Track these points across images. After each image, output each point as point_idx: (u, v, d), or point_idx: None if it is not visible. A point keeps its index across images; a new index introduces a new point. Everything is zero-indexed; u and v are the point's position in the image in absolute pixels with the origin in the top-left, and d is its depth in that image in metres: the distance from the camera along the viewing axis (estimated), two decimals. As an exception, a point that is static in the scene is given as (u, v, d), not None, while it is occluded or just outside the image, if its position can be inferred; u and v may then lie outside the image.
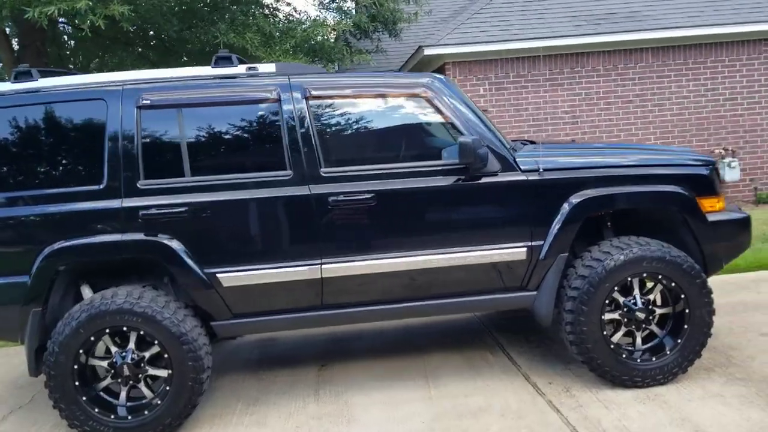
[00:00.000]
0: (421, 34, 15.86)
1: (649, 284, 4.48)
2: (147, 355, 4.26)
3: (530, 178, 4.43)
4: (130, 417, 4.23)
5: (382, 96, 4.49)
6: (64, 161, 4.34)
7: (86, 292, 4.45)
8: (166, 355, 4.21)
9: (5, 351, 6.55)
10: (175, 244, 4.23)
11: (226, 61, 4.49)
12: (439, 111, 4.46)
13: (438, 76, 4.59)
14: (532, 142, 5.36)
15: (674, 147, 7.60)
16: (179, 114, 4.33)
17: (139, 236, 4.23)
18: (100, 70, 14.87)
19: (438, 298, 4.50)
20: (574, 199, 4.43)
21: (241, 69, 4.48)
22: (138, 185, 4.26)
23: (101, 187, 4.25)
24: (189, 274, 4.25)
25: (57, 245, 4.18)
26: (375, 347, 5.82)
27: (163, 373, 4.27)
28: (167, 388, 4.22)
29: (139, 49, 12.96)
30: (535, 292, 4.53)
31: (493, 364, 5.15)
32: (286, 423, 4.42)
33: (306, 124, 4.35)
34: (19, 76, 4.40)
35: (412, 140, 4.59)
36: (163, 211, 4.24)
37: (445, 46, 11.79)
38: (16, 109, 4.32)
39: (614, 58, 12.09)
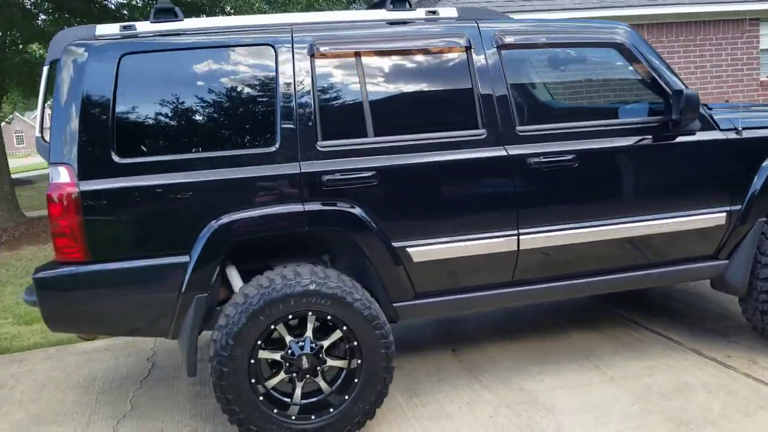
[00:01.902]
0: None
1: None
2: (326, 343, 3.67)
3: (729, 137, 4.12)
4: (313, 416, 3.62)
5: (577, 45, 4.05)
6: (226, 119, 3.65)
7: (233, 274, 3.79)
8: (354, 343, 3.63)
9: (42, 353, 5.67)
10: (364, 215, 3.65)
11: (401, 3, 3.91)
12: (637, 62, 4.05)
13: (627, 25, 4.19)
14: None
15: None
16: (358, 64, 3.73)
17: (323, 206, 3.61)
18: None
19: (629, 270, 4.13)
20: None
21: (420, 13, 3.93)
22: (318, 147, 3.64)
23: (274, 149, 3.61)
24: (380, 248, 3.69)
25: (229, 217, 3.51)
26: (497, 328, 5.39)
27: (340, 363, 3.69)
28: (355, 380, 3.65)
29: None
30: (726, 261, 4.23)
31: (646, 341, 4.84)
32: (471, 412, 3.95)
33: (500, 77, 3.85)
34: (159, 14, 3.67)
35: (607, 94, 4.18)
36: (348, 176, 3.64)
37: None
38: (159, 55, 3.59)
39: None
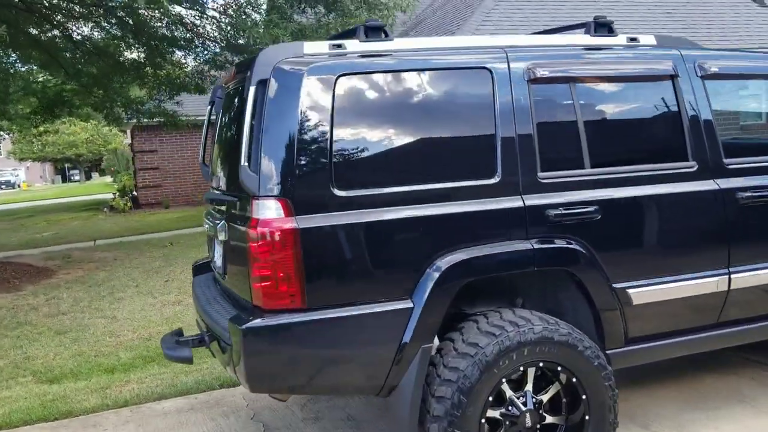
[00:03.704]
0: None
1: None
2: (545, 398, 3.30)
3: None
4: (537, 481, 3.22)
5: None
6: (444, 148, 3.29)
7: None
8: (583, 396, 3.27)
9: (114, 415, 4.96)
10: (589, 253, 3.34)
11: (604, 28, 3.68)
12: None
13: None
14: None
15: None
16: (572, 90, 3.45)
17: (549, 243, 3.28)
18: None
19: None
20: None
21: (621, 39, 3.70)
22: (538, 178, 3.32)
23: (495, 180, 3.26)
24: (604, 290, 3.38)
25: (460, 256, 3.12)
26: (631, 372, 5.11)
27: (557, 419, 3.33)
28: (579, 439, 3.28)
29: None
30: None
31: (789, 382, 4.69)
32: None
33: (706, 107, 3.67)
34: (371, 33, 3.28)
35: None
36: (572, 210, 3.34)
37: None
38: (374, 78, 3.20)
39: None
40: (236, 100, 3.60)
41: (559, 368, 3.22)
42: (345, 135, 3.08)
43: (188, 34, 11.79)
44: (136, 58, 13.12)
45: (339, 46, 3.21)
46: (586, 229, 3.36)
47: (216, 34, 11.34)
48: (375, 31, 3.28)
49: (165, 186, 20.55)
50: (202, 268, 4.44)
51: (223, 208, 3.63)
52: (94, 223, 18.52)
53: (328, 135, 3.04)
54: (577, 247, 3.32)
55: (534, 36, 3.69)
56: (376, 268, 3.10)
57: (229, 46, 11.07)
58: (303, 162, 3.01)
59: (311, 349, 3.04)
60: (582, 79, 3.47)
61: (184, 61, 13.34)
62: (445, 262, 3.10)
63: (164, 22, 11.03)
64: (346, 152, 3.09)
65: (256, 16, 11.24)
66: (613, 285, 3.41)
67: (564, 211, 3.32)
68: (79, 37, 12.85)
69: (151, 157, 20.39)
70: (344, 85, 3.09)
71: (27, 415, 4.93)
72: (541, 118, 3.38)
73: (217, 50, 12.44)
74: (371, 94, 3.18)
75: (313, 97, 3.05)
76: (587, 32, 3.69)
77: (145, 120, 14.83)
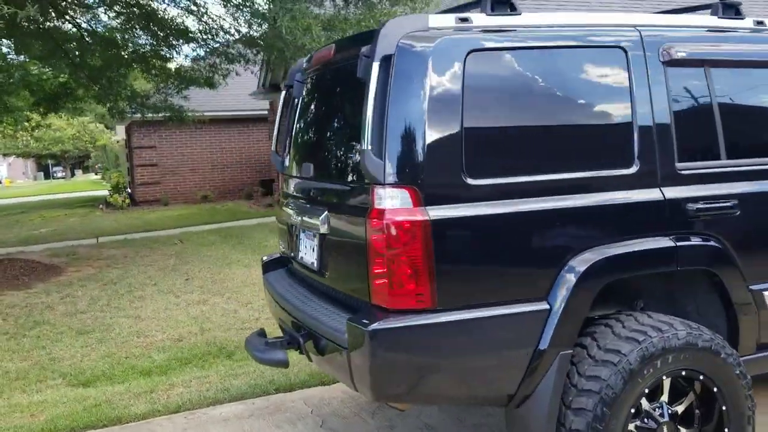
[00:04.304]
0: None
1: None
2: (680, 409, 3.02)
3: None
4: (676, 500, 2.95)
5: None
6: (578, 133, 3.01)
7: None
8: (723, 407, 3.00)
9: (168, 422, 4.63)
10: (729, 251, 3.08)
11: (731, 10, 3.42)
12: None
13: None
14: None
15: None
16: (706, 74, 3.19)
17: (690, 240, 3.02)
18: None
19: None
20: None
21: (747, 22, 3.44)
22: (677, 169, 3.04)
23: (633, 171, 2.98)
24: (743, 291, 3.12)
25: (602, 253, 2.84)
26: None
27: (690, 432, 3.06)
28: (717, 455, 3.01)
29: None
30: None
31: None
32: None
33: None
34: (497, 7, 2.98)
35: None
36: (712, 205, 3.07)
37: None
38: (503, 55, 2.91)
39: None
40: (342, 79, 3.30)
41: (701, 377, 2.95)
42: (475, 118, 2.78)
43: (201, 25, 11.40)
44: (143, 49, 12.73)
45: (465, 19, 2.91)
46: (724, 225, 3.10)
47: (231, 23, 10.96)
48: (501, 5, 2.99)
49: (164, 183, 20.09)
50: (273, 264, 4.10)
51: (322, 198, 3.31)
52: (91, 220, 18.03)
53: (459, 117, 2.75)
54: (718, 245, 3.06)
55: (662, 15, 3.42)
56: (511, 265, 2.81)
57: (248, 40, 10.68)
58: (432, 147, 2.71)
59: (440, 354, 2.74)
60: (718, 62, 3.22)
61: (194, 53, 12.96)
62: (588, 258, 2.82)
63: (173, 11, 10.65)
64: (477, 137, 2.79)
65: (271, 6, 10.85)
66: (750, 286, 3.15)
67: (703, 206, 3.06)
68: (86, 25, 12.43)
69: (150, 153, 19.92)
70: (474, 62, 2.80)
71: (72, 421, 4.59)
72: (677, 103, 3.11)
73: (230, 42, 12.07)
74: (501, 73, 2.89)
75: (443, 75, 2.75)
76: (714, 13, 3.43)
77: (150, 115, 14.35)
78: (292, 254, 3.79)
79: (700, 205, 3.05)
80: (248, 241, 12.12)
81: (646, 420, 2.93)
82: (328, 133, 3.45)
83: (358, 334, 2.68)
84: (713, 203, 3.07)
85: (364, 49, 2.85)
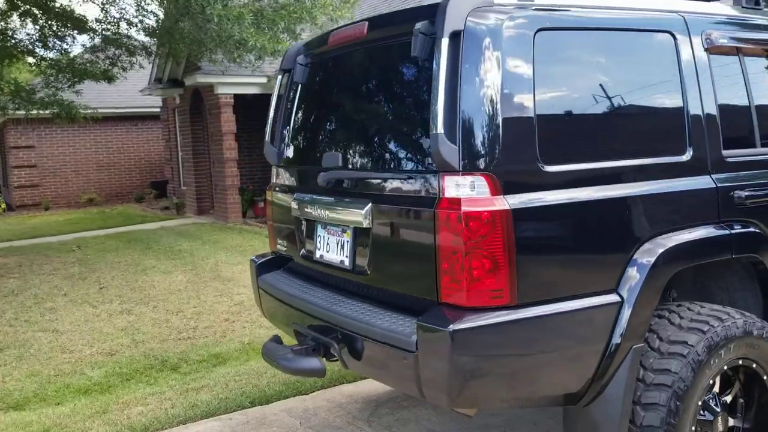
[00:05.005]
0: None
1: None
2: (728, 399, 3.00)
3: None
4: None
5: None
6: (641, 119, 2.95)
7: None
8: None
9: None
10: (769, 237, 3.10)
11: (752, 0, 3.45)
12: None
13: None
14: None
15: None
16: (742, 62, 3.20)
17: (742, 228, 3.00)
18: None
19: None
20: None
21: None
22: (723, 157, 3.02)
23: (687, 158, 2.93)
24: (782, 281, 3.13)
25: (672, 240, 2.78)
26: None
27: (737, 422, 3.04)
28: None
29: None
30: None
31: None
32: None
33: None
34: (548, -16, 2.83)
35: None
36: (757, 192, 3.08)
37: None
38: (569, 35, 2.78)
39: None
40: (382, 58, 3.03)
41: (755, 365, 2.93)
42: (546, 100, 2.62)
43: (103, 14, 10.59)
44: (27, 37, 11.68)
45: None
46: (764, 211, 3.10)
47: (136, 14, 10.23)
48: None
49: (44, 186, 18.62)
50: (267, 266, 3.75)
51: (359, 190, 3.02)
52: (-38, 226, 16.41)
53: (532, 99, 2.57)
54: (759, 231, 3.06)
55: (698, 2, 3.39)
56: (585, 255, 2.67)
57: (159, 30, 9.98)
58: (509, 131, 2.52)
59: (519, 353, 2.55)
60: (749, 51, 3.24)
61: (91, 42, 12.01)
62: (657, 247, 2.72)
63: None
64: (549, 121, 2.63)
65: None
66: (783, 273, 3.18)
67: (750, 193, 3.05)
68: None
69: (28, 153, 18.40)
70: (543, 41, 2.63)
71: (24, 452, 4.01)
72: (720, 90, 3.08)
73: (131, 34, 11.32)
74: (567, 53, 2.76)
75: (514, 54, 2.57)
76: (737, 3, 3.45)
77: (34, 111, 13.15)
78: (303, 252, 3.46)
79: (747, 193, 3.03)
80: (157, 246, 11.39)
81: (703, 412, 2.87)
82: (368, 119, 3.16)
83: (435, 336, 2.43)
84: (756, 191, 3.07)
85: (418, 25, 2.61)
